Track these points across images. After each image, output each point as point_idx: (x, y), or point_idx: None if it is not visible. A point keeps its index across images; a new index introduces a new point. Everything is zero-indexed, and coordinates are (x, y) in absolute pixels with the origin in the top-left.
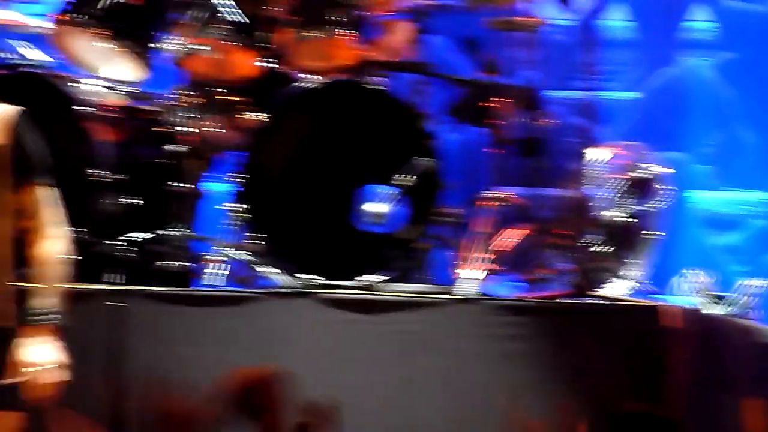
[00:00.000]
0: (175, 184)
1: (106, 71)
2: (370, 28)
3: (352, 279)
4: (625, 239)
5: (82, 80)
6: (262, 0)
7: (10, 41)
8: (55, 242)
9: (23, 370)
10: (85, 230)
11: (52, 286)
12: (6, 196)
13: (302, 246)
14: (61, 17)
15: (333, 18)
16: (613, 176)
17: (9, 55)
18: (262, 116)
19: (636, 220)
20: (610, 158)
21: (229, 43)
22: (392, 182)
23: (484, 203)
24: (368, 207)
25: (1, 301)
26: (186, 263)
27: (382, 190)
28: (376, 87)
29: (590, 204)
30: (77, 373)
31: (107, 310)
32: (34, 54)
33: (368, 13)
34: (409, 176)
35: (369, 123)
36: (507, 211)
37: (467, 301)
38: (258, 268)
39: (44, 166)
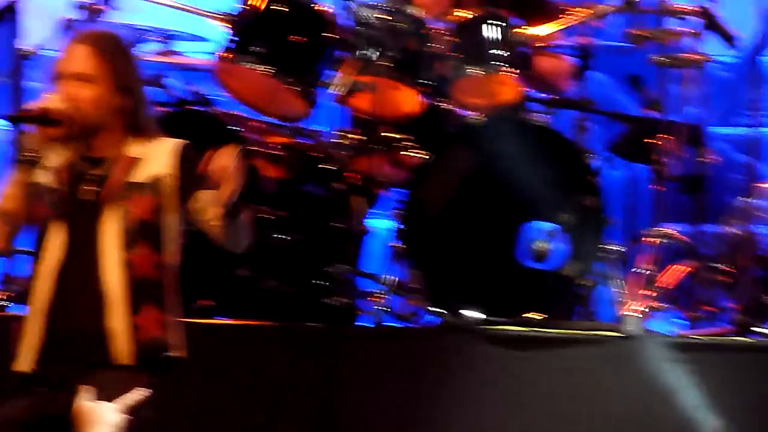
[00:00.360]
0: (340, 221)
1: (268, 108)
2: (532, 65)
3: (514, 316)
4: None
5: (246, 117)
6: (425, 37)
7: (177, 79)
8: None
9: None
10: (251, 266)
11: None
12: (174, 223)
13: (464, 282)
14: (225, 55)
15: (495, 54)
16: None
17: (175, 93)
18: (425, 153)
19: None
20: None
21: (392, 80)
22: (555, 219)
23: (647, 240)
24: (531, 244)
25: (174, 331)
26: (350, 299)
27: (545, 226)
28: (539, 123)
29: (754, 240)
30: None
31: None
32: (199, 91)
33: (531, 50)
34: (573, 213)
35: (532, 159)
36: (670, 248)
37: (631, 338)
38: (420, 305)
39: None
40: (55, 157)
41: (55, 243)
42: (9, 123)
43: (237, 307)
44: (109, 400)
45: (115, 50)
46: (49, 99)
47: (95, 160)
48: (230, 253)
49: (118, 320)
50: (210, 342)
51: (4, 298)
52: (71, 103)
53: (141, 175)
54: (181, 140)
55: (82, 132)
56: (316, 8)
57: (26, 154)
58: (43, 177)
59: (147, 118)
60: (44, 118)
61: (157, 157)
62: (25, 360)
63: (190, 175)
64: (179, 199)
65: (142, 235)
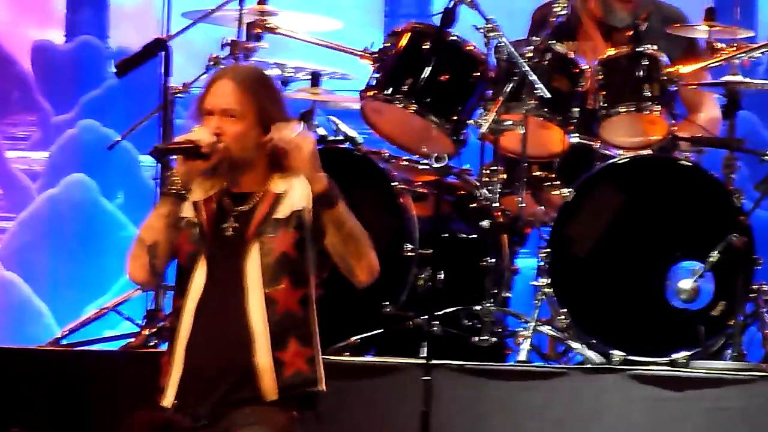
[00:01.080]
0: (487, 260)
1: (415, 147)
2: (680, 103)
3: (661, 355)
4: None
5: (394, 156)
6: (572, 75)
7: (324, 116)
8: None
9: None
10: (399, 304)
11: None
12: (311, 256)
13: (611, 322)
14: (372, 93)
15: (643, 93)
16: None
17: (323, 131)
18: (572, 192)
19: None
20: None
21: (540, 118)
22: (703, 258)
23: None
24: (679, 283)
25: (316, 366)
26: (498, 338)
27: (692, 266)
28: (687, 162)
29: None
30: None
31: (422, 383)
32: (346, 130)
33: (678, 88)
34: (721, 252)
35: (680, 198)
36: None
37: None
38: (567, 344)
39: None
40: (200, 192)
41: (198, 279)
42: (155, 155)
43: (384, 344)
44: None
45: (259, 86)
46: (196, 132)
47: (239, 196)
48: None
49: (262, 356)
50: (355, 379)
51: (150, 333)
52: (217, 137)
53: (283, 210)
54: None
55: (228, 167)
56: (464, 47)
57: (172, 186)
58: (188, 212)
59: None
60: (190, 151)
61: (296, 192)
62: (168, 395)
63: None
64: (315, 232)
65: (285, 270)
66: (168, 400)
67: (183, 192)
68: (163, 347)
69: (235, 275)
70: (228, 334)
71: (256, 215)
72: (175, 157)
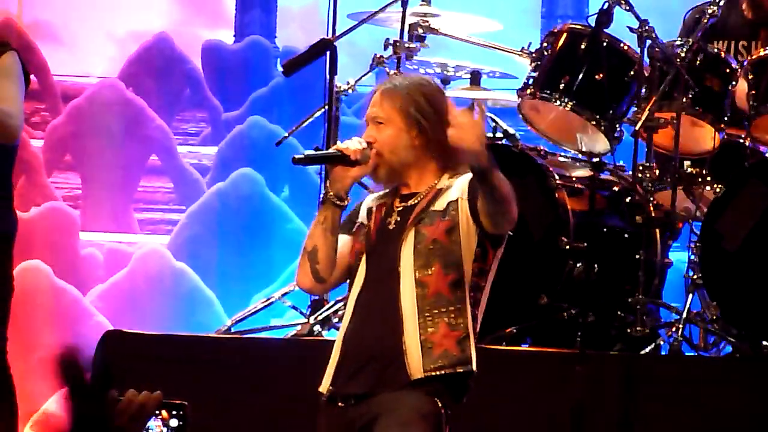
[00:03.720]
0: (641, 253)
1: (572, 143)
2: None
3: None
4: None
5: (550, 152)
6: (723, 75)
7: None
8: (514, 208)
9: None
10: (554, 295)
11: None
12: (465, 243)
13: (760, 314)
14: (527, 91)
15: None
16: None
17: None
18: (721, 188)
19: None
20: None
21: (692, 116)
22: None
23: None
24: None
25: (467, 348)
26: (648, 330)
27: None
28: None
29: None
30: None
31: (576, 373)
32: (505, 127)
33: None
34: None
35: None
36: None
37: None
38: (718, 335)
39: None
40: (377, 200)
41: (361, 272)
42: (296, 163)
43: (539, 334)
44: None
45: (405, 91)
46: (345, 142)
47: (408, 196)
48: (534, 282)
49: (411, 337)
50: (511, 367)
51: (315, 322)
52: (369, 145)
53: (440, 203)
54: None
55: (386, 172)
56: (619, 47)
57: (327, 194)
58: (363, 217)
59: (453, 151)
60: (333, 159)
61: (458, 186)
62: (325, 382)
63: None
64: (472, 218)
65: (436, 255)
66: (324, 386)
67: (337, 199)
68: (328, 335)
69: (391, 262)
70: (381, 318)
71: (417, 208)
72: (316, 164)
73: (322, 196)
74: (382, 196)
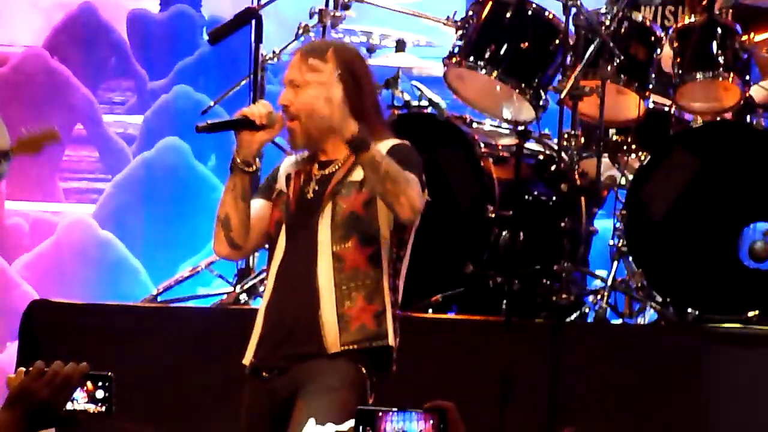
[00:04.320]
0: (566, 221)
1: (497, 112)
2: (755, 69)
3: (735, 314)
4: None
5: (476, 121)
6: (649, 43)
7: (408, 83)
8: (414, 194)
9: None
10: (481, 263)
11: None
12: (382, 217)
13: (685, 281)
14: (454, 59)
15: (719, 60)
16: None
17: (407, 97)
18: (647, 156)
19: None
20: None
21: (617, 84)
22: None
23: None
24: (752, 244)
25: (386, 322)
26: (574, 297)
27: (765, 227)
28: (761, 128)
29: None
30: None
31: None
32: (430, 95)
33: (754, 55)
34: None
35: (753, 162)
36: None
37: None
38: (642, 302)
39: (409, 165)
40: (293, 166)
41: (281, 243)
42: (201, 131)
43: (465, 302)
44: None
45: (329, 56)
46: (249, 107)
47: (325, 163)
48: (459, 250)
49: (328, 312)
50: (437, 335)
51: (241, 291)
52: (287, 108)
53: (358, 173)
54: (399, 141)
55: (304, 137)
56: (544, 15)
57: (234, 160)
58: (281, 185)
59: (376, 123)
60: (239, 125)
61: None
62: (247, 355)
63: (392, 157)
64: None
65: (353, 228)
66: (247, 358)
67: (245, 165)
68: (254, 304)
69: (310, 234)
70: (299, 292)
71: (334, 178)
72: (221, 131)
73: (230, 162)
74: (299, 161)
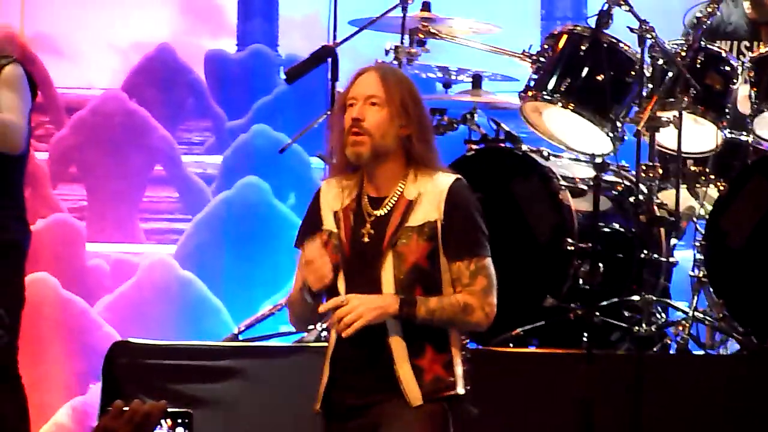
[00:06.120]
0: (646, 253)
1: (574, 144)
2: None
3: None
4: None
5: (553, 153)
6: (725, 73)
7: (485, 118)
8: (478, 307)
9: None
10: (560, 296)
11: (443, 314)
12: (445, 264)
13: (766, 311)
14: (529, 93)
15: None
16: None
17: (484, 131)
18: (725, 185)
19: None
20: None
21: (692, 115)
22: None
23: None
24: None
25: (458, 368)
26: (655, 329)
27: None
28: None
29: None
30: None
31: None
32: (507, 129)
33: None
34: None
35: None
36: None
37: None
38: (724, 333)
39: (474, 242)
40: (339, 201)
41: (340, 287)
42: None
43: (546, 335)
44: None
45: (401, 81)
46: (314, 274)
47: (375, 200)
48: (539, 283)
49: (403, 365)
50: (518, 369)
51: (323, 329)
52: (360, 123)
53: (413, 218)
54: (452, 179)
55: (370, 156)
56: (619, 47)
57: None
58: (329, 224)
59: (428, 152)
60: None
61: (429, 199)
62: (319, 398)
63: (452, 223)
64: (444, 245)
65: (417, 281)
66: (318, 402)
67: (309, 291)
68: None
69: (372, 285)
70: (367, 341)
71: (391, 223)
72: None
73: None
74: (343, 194)
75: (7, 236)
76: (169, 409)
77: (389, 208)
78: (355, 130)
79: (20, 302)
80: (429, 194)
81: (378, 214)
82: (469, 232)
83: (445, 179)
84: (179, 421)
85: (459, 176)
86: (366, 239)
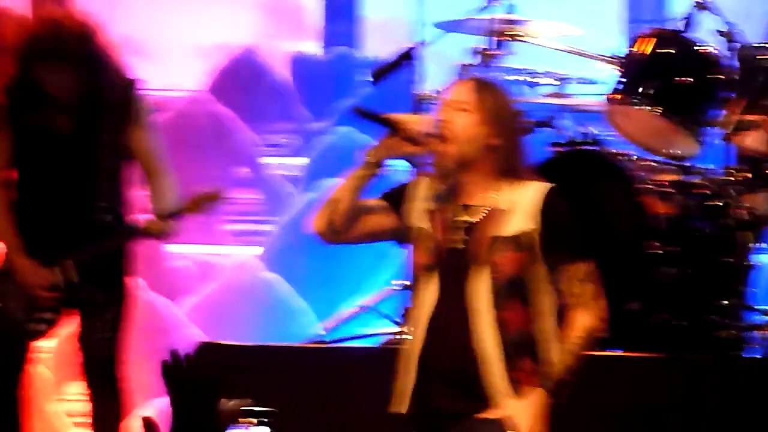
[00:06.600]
0: (731, 256)
1: (660, 147)
2: None
3: None
4: None
5: (639, 156)
6: None
7: (569, 120)
8: (592, 318)
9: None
10: (645, 300)
11: (578, 358)
12: (542, 274)
13: None
14: (615, 96)
15: None
16: None
17: (567, 133)
18: None
19: None
20: None
21: None
22: None
23: None
24: None
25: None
26: (738, 332)
27: None
28: None
29: None
30: None
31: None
32: (591, 131)
33: None
34: None
35: None
36: None
37: None
38: None
39: (576, 248)
40: (425, 198)
41: (431, 292)
42: (353, 113)
43: (631, 339)
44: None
45: (497, 92)
46: (413, 117)
47: (467, 207)
48: (623, 287)
49: (497, 378)
50: (604, 373)
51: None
52: (446, 127)
53: (508, 228)
54: (546, 188)
55: (454, 161)
56: (702, 50)
57: (369, 154)
58: (423, 221)
59: (519, 162)
60: (391, 126)
61: (523, 209)
62: (403, 401)
63: (553, 233)
64: (543, 255)
65: (512, 291)
66: (403, 406)
67: (375, 165)
68: None
69: (462, 293)
70: (461, 353)
71: (485, 233)
72: (373, 123)
73: (364, 152)
74: (438, 197)
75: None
76: (254, 408)
77: (482, 216)
78: (442, 134)
79: (131, 303)
80: (522, 204)
81: (470, 222)
82: (570, 238)
83: (538, 188)
84: (263, 419)
85: (552, 185)
86: (459, 245)
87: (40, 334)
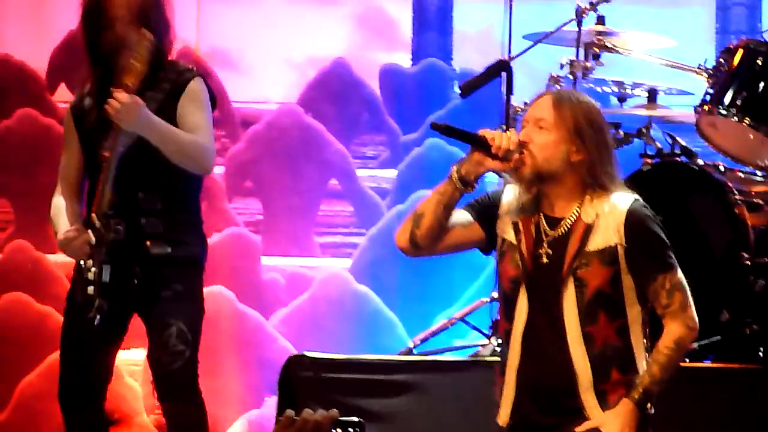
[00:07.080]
0: None
1: (750, 159)
2: None
3: None
4: None
5: (729, 168)
6: None
7: (660, 132)
8: (681, 328)
9: None
10: (736, 311)
11: (666, 369)
12: (628, 285)
13: None
14: (702, 107)
15: None
16: None
17: (660, 146)
18: None
19: None
20: None
21: None
22: None
23: None
24: None
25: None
26: None
27: None
28: None
29: None
30: None
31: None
32: (683, 143)
33: None
34: None
35: None
36: None
37: None
38: None
39: (663, 256)
40: (512, 210)
41: (521, 305)
42: (434, 129)
43: (722, 350)
44: None
45: (578, 106)
46: (497, 132)
47: (552, 220)
48: (715, 298)
49: (587, 393)
50: (694, 384)
51: (497, 343)
52: (525, 145)
53: (595, 242)
54: (629, 200)
55: (533, 177)
56: None
57: (459, 173)
58: (509, 233)
59: (605, 174)
60: (471, 141)
61: (607, 222)
62: (504, 414)
63: (638, 245)
64: (629, 266)
65: (600, 306)
66: (503, 419)
67: (462, 183)
68: None
69: (554, 309)
70: (552, 362)
71: (570, 247)
72: (456, 139)
73: (451, 168)
74: (524, 208)
75: (186, 251)
76: (341, 418)
77: (566, 230)
78: (520, 151)
79: (200, 317)
80: (607, 217)
81: (555, 235)
82: (656, 249)
83: (622, 201)
84: (350, 430)
85: (636, 196)
86: (544, 260)
87: (102, 314)
